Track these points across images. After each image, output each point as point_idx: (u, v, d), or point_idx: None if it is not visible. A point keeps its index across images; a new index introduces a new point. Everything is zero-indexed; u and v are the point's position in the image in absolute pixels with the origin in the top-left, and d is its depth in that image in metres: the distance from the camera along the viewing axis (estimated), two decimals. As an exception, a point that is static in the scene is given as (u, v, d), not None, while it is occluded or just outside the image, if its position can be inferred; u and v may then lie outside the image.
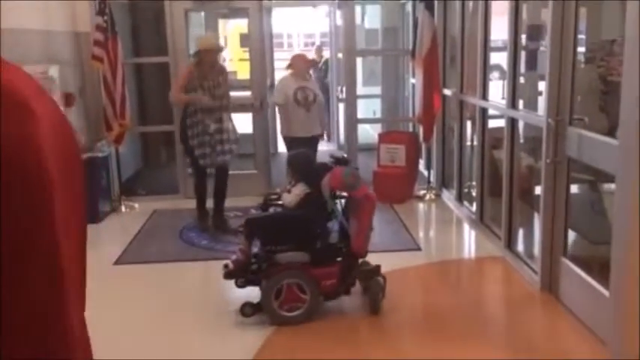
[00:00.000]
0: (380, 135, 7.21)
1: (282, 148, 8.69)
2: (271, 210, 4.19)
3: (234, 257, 3.93)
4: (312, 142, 6.12)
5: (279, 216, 4.08)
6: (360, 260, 3.96)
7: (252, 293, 3.91)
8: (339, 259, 3.90)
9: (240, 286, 3.91)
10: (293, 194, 3.93)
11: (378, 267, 3.99)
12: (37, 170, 0.79)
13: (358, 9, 9.34)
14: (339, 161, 4.10)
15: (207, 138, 5.59)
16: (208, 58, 5.61)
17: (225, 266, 3.91)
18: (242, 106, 6.87)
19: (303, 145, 5.85)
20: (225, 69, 6.03)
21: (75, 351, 0.88)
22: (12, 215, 0.78)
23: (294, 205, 3.92)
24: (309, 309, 3.80)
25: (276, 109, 6.64)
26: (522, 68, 4.89)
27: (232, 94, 6.13)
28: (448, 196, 6.62)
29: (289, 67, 6.26)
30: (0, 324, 0.79)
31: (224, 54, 9.46)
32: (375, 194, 3.97)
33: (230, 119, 5.80)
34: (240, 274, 3.90)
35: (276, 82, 6.93)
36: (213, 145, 5.62)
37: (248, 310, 3.85)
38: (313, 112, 6.10)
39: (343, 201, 4.06)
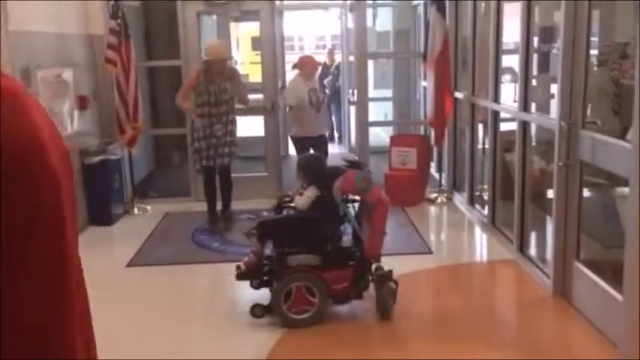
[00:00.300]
0: (391, 138, 7.20)
1: (293, 150, 8.72)
2: (285, 212, 4.20)
3: (246, 259, 3.96)
4: (322, 141, 6.38)
5: (291, 218, 4.09)
6: (375, 265, 3.95)
7: (264, 295, 3.92)
8: (352, 262, 3.90)
9: (255, 287, 3.94)
10: (305, 197, 3.94)
11: (390, 272, 3.97)
12: (40, 167, 0.80)
13: (369, 11, 9.33)
14: (352, 165, 4.09)
15: (213, 141, 5.77)
16: (216, 66, 5.72)
17: (238, 267, 3.94)
18: (253, 109, 6.88)
19: (313, 145, 6.17)
20: (234, 72, 6.06)
21: (77, 351, 0.89)
22: (17, 212, 0.79)
23: (305, 207, 3.93)
24: (317, 312, 3.80)
25: (286, 110, 6.74)
26: (534, 71, 4.86)
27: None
28: (460, 199, 6.60)
29: (297, 67, 6.40)
30: (0, 323, 0.79)
31: (235, 57, 9.48)
32: (388, 198, 3.95)
33: (234, 122, 5.93)
34: (253, 276, 3.92)
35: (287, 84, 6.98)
36: (216, 148, 5.80)
37: (258, 311, 3.88)
38: (322, 112, 6.39)
39: (357, 205, 4.05)
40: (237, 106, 5.99)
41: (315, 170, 4.03)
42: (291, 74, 7.06)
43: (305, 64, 6.38)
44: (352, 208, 4.06)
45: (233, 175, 6.16)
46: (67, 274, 0.89)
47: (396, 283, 3.94)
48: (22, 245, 0.81)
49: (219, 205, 6.16)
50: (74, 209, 0.91)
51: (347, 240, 4.14)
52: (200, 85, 5.74)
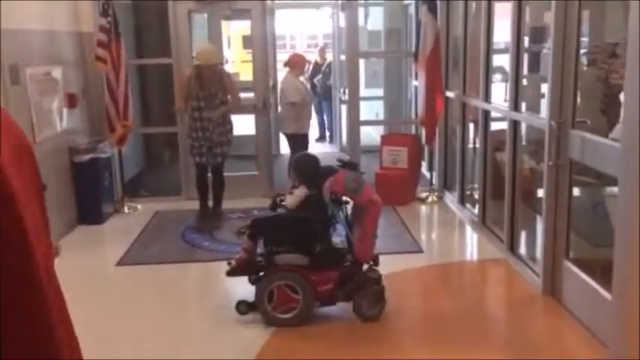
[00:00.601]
0: (382, 137, 7.21)
1: (283, 149, 8.71)
2: (279, 211, 4.18)
3: (237, 256, 3.96)
4: (307, 138, 6.80)
5: (280, 217, 4.06)
6: (367, 266, 3.90)
7: (252, 292, 3.91)
8: (346, 264, 3.86)
9: (252, 282, 3.94)
10: (294, 196, 3.91)
11: (378, 277, 3.90)
12: None
13: (361, 11, 9.33)
14: (346, 165, 4.02)
15: (205, 142, 5.87)
16: (207, 71, 5.78)
17: (229, 263, 3.96)
18: (244, 108, 6.87)
19: (304, 141, 6.54)
20: (223, 75, 6.06)
21: (59, 352, 0.89)
22: None
23: (294, 207, 3.90)
24: (302, 311, 3.78)
25: (279, 108, 6.90)
26: (525, 70, 4.88)
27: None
28: (450, 199, 6.61)
29: (288, 65, 6.63)
30: None
31: (227, 56, 9.49)
32: (380, 199, 3.87)
33: (228, 123, 6.00)
34: (243, 272, 3.93)
35: (280, 83, 7.04)
36: (209, 148, 5.90)
37: (243, 308, 3.89)
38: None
39: (350, 207, 3.97)
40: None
41: (307, 169, 3.99)
42: (282, 73, 7.17)
43: (296, 62, 6.58)
44: (344, 210, 4.01)
45: (224, 173, 6.17)
46: (41, 280, 0.89)
47: (382, 287, 3.87)
48: None
49: (210, 204, 6.17)
50: (40, 207, 0.91)
51: (341, 242, 4.11)
52: (191, 89, 5.80)
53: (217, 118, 5.83)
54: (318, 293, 3.79)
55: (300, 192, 3.89)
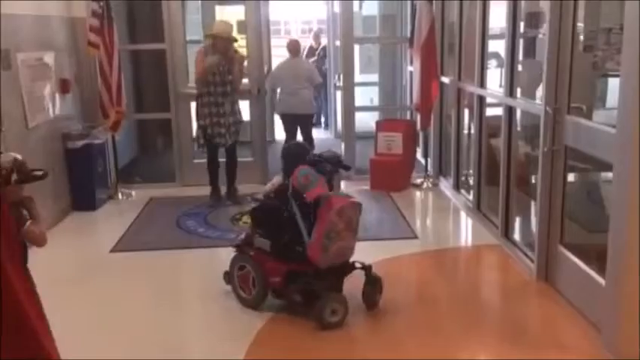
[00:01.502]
0: (377, 123, 7.19)
1: (278, 135, 8.70)
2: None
3: (245, 233, 4.09)
4: None
5: (261, 202, 4.06)
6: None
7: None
8: (299, 262, 3.67)
9: None
10: (270, 183, 3.96)
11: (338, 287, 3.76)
12: None
13: (356, -4, 9.28)
14: (329, 160, 3.74)
15: (221, 120, 5.91)
16: (221, 44, 5.79)
17: (237, 237, 4.13)
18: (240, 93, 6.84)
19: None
20: (237, 57, 6.03)
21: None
22: None
23: (267, 193, 3.91)
24: (257, 294, 3.81)
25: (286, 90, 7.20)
26: (520, 56, 4.86)
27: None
28: (445, 185, 6.62)
29: (292, 51, 7.10)
30: None
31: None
32: (341, 201, 3.62)
33: (236, 103, 6.07)
34: (245, 248, 3.99)
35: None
36: (222, 127, 5.93)
37: (227, 278, 4.03)
38: None
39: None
40: None
41: (290, 159, 3.85)
42: (276, 59, 7.28)
43: (297, 47, 7.09)
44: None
45: (220, 160, 6.21)
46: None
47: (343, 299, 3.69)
48: None
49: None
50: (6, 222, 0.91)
51: None
52: (207, 58, 5.80)
53: (229, 92, 5.89)
54: (269, 283, 3.79)
55: (276, 180, 3.91)
